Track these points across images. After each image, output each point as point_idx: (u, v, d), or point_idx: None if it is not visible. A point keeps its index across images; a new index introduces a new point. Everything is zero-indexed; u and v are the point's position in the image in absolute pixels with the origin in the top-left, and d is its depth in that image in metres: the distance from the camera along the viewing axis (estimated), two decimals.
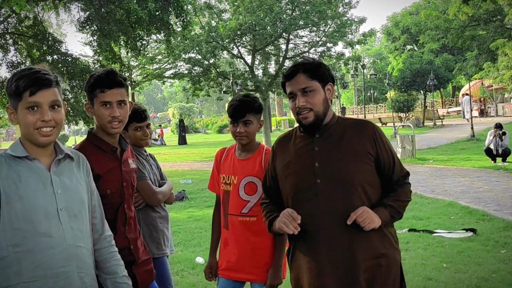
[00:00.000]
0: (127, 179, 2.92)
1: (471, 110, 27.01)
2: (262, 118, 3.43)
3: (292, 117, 41.17)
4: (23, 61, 19.58)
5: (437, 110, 39.63)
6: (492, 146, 15.11)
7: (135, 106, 3.51)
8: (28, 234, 2.20)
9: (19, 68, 19.35)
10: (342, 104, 59.31)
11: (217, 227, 3.56)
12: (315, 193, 2.64)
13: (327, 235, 2.61)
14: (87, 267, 2.37)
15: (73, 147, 2.98)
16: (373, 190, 2.67)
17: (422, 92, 38.07)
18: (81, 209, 2.39)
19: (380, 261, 2.62)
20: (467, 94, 32.95)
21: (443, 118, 36.51)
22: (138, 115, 3.67)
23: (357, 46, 33.24)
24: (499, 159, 15.01)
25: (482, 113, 37.22)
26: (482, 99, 39.51)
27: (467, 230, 7.59)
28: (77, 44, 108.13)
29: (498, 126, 15.25)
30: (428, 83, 33.89)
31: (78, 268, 2.31)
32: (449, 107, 47.31)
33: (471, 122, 23.70)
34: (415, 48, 48.68)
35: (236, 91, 26.81)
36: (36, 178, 2.28)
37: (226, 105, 3.60)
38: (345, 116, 2.76)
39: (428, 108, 38.82)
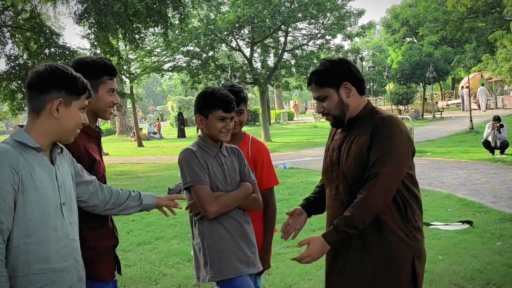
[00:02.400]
0: (103, 165, 3.04)
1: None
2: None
3: (292, 110, 41.46)
4: (21, 54, 19.55)
5: (436, 102, 39.56)
6: (490, 139, 15.11)
7: (218, 93, 3.12)
8: (39, 226, 2.24)
9: (17, 61, 19.39)
10: None
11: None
12: (331, 181, 2.91)
13: (331, 220, 2.83)
14: (80, 260, 2.46)
15: None
16: None
17: (421, 84, 38.01)
18: (74, 203, 2.48)
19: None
20: (467, 87, 32.95)
21: (443, 111, 36.46)
22: (225, 103, 3.10)
23: (356, 39, 33.20)
24: (497, 152, 15.01)
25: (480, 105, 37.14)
26: (477, 92, 39.40)
27: (463, 222, 7.60)
28: (75, 37, 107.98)
29: (496, 119, 15.24)
30: (427, 75, 33.84)
31: (76, 261, 2.41)
32: (448, 100, 47.22)
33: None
34: (415, 40, 48.58)
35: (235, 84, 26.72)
36: (46, 171, 2.32)
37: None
38: (379, 109, 2.77)
39: (427, 100, 38.76)
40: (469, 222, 7.53)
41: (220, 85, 4.26)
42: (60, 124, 2.36)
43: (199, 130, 3.22)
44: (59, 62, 17.41)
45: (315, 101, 2.96)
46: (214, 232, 3.08)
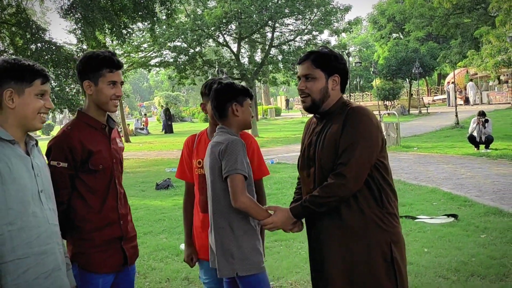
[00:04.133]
0: (116, 156, 3.06)
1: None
2: None
3: (279, 105, 41.30)
4: (6, 49, 19.38)
5: (422, 98, 39.82)
6: (475, 134, 15.26)
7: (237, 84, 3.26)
8: (20, 214, 2.35)
9: (2, 56, 19.24)
10: None
11: (189, 215, 3.61)
12: (308, 174, 2.94)
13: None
14: (61, 243, 2.61)
15: (64, 125, 3.08)
16: None
17: (407, 80, 38.25)
18: (51, 190, 2.60)
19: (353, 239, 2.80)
20: (452, 83, 33.20)
21: (429, 106, 36.70)
22: (251, 93, 3.28)
23: (343, 34, 33.32)
24: (482, 146, 15.17)
25: (467, 101, 37.47)
26: (466, 87, 39.73)
27: (448, 215, 7.69)
28: (61, 32, 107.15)
29: (481, 114, 15.39)
30: (413, 71, 34.04)
31: (57, 244, 2.53)
32: (434, 95, 47.56)
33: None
34: (401, 36, 48.79)
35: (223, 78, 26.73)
36: (22, 162, 2.42)
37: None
38: (350, 102, 2.85)
39: (413, 96, 39.00)
40: (454, 216, 7.63)
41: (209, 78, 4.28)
42: (18, 113, 2.44)
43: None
44: (45, 57, 17.27)
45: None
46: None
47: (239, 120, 3.16)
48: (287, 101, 61.32)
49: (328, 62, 2.90)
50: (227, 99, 3.14)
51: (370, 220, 2.77)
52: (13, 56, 2.52)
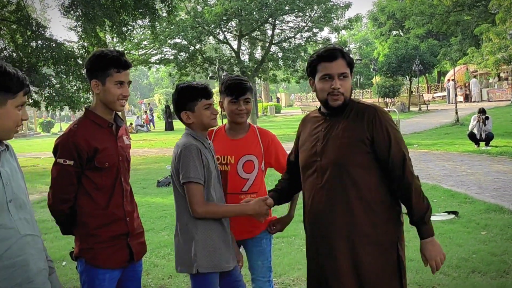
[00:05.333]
0: (122, 154, 3.08)
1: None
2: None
3: (278, 103, 41.00)
4: (6, 47, 19.38)
5: (422, 95, 39.82)
6: (475, 131, 15.28)
7: (194, 85, 3.22)
8: None
9: (2, 54, 19.16)
10: None
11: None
12: (315, 170, 2.89)
13: (319, 210, 2.88)
14: (39, 253, 2.41)
15: (71, 123, 3.07)
16: (365, 172, 2.80)
17: (407, 77, 38.22)
18: (24, 198, 2.38)
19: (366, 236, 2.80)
20: (452, 80, 33.22)
21: (429, 103, 36.71)
22: (205, 91, 3.21)
23: (343, 32, 33.31)
24: (482, 144, 15.19)
25: (467, 98, 37.50)
26: (467, 84, 39.77)
27: (449, 212, 7.72)
28: (62, 29, 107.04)
29: (482, 111, 15.41)
30: (413, 68, 34.03)
31: (31, 255, 2.33)
32: (434, 92, 47.52)
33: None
34: (401, 33, 48.75)
35: (223, 77, 26.74)
36: None
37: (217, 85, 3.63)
38: (360, 100, 2.88)
39: (413, 93, 39.01)
40: (455, 213, 7.66)
41: (223, 76, 4.30)
42: None
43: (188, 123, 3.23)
44: (46, 54, 17.18)
45: (338, 75, 2.87)
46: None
47: (196, 124, 3.17)
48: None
49: (352, 59, 2.95)
50: (177, 110, 3.21)
51: (382, 218, 2.81)
52: None
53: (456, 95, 27.38)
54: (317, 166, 2.88)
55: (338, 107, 2.86)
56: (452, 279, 5.16)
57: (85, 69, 3.06)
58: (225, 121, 3.71)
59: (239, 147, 3.49)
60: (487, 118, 15.12)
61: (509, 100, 32.25)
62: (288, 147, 3.32)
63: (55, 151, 2.93)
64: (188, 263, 3.08)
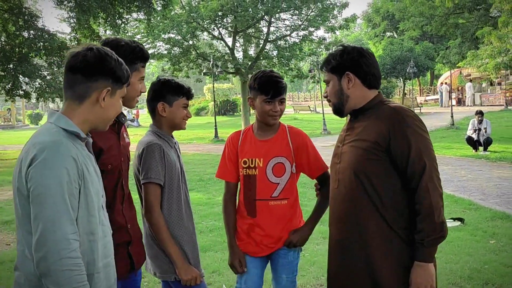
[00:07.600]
0: (124, 153, 2.82)
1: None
2: None
3: None
4: None
5: (415, 98, 39.76)
6: (474, 135, 15.14)
7: (179, 82, 3.13)
8: (99, 221, 2.11)
9: None
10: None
11: (233, 216, 3.33)
12: (335, 173, 2.77)
13: (335, 212, 2.76)
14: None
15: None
16: (380, 180, 2.57)
17: (401, 79, 38.13)
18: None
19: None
20: (446, 83, 33.14)
21: (421, 106, 36.66)
22: (189, 91, 3.11)
23: (337, 32, 33.10)
24: (480, 148, 15.05)
25: (460, 102, 37.46)
26: (459, 88, 39.75)
27: (454, 219, 7.52)
28: (54, 20, 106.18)
29: (479, 113, 15.33)
30: (408, 70, 33.92)
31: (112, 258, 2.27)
32: (426, 95, 47.52)
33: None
34: (395, 35, 48.69)
35: (216, 73, 26.45)
36: (92, 162, 2.18)
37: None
38: (390, 101, 2.61)
39: (406, 95, 38.92)
40: (460, 220, 7.46)
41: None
42: (103, 113, 2.17)
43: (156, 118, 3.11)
44: (38, 44, 16.91)
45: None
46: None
47: (167, 120, 3.05)
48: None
49: (334, 63, 2.73)
50: (155, 97, 3.04)
51: (393, 231, 2.56)
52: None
53: (450, 98, 27.29)
54: (336, 168, 2.76)
55: (334, 111, 2.81)
56: None
57: None
58: (252, 120, 3.44)
59: (268, 148, 3.18)
60: (482, 114, 15.15)
61: (503, 105, 32.22)
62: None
63: None
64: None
